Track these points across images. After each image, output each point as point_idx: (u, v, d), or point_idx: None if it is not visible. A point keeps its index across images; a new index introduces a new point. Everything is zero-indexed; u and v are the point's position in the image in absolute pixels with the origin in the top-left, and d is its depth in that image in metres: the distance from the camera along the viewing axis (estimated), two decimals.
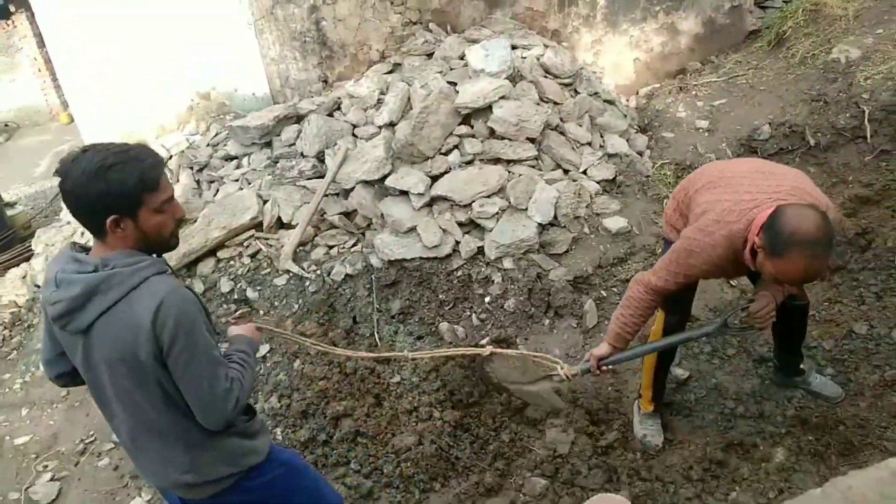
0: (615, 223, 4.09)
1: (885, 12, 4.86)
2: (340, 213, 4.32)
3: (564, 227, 4.03)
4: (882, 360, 3.14)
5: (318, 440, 3.28)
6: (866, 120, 4.20)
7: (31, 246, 5.58)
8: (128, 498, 3.40)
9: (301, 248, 4.19)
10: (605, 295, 3.90)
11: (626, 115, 5.02)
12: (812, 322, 3.52)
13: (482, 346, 3.11)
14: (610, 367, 2.64)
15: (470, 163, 4.24)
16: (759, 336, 3.52)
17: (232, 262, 4.22)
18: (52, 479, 3.58)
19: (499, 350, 3.03)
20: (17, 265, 5.37)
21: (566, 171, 4.34)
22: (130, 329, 1.62)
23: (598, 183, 4.32)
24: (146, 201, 1.64)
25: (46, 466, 3.68)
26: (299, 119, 4.83)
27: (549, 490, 2.90)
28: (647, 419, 3.06)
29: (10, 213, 6.86)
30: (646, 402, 3.04)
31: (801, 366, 3.08)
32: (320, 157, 4.56)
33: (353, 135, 4.60)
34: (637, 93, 5.75)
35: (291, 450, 2.95)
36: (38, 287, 4.99)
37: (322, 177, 4.41)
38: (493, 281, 3.88)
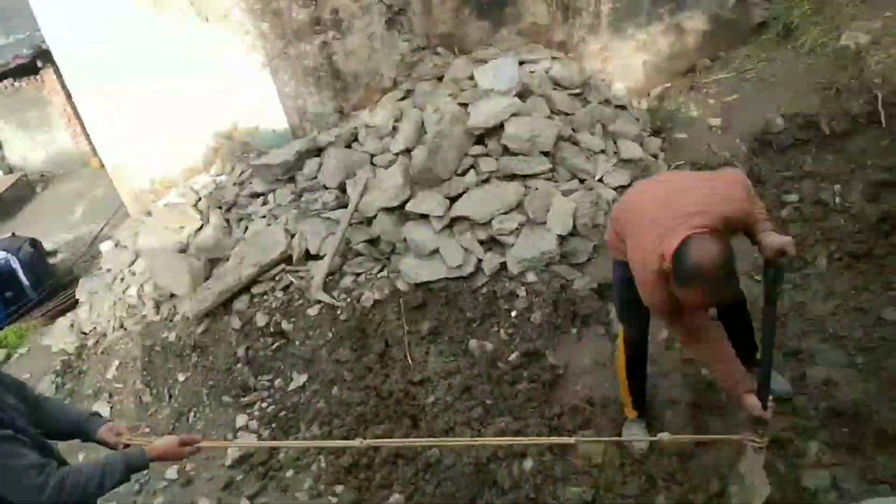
0: None
1: None
2: (365, 241, 4.44)
3: (584, 236, 4.09)
4: None
5: (360, 465, 3.38)
6: (880, 105, 4.19)
7: (73, 293, 5.80)
8: None
9: (330, 277, 4.32)
10: None
11: (638, 119, 5.06)
12: (840, 311, 3.52)
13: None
14: (770, 400, 2.54)
15: (486, 181, 4.33)
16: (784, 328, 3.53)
17: (266, 297, 4.37)
18: None
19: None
20: (63, 314, 5.61)
21: (582, 181, 4.41)
22: None
23: (614, 189, 4.37)
24: None
25: None
26: (319, 152, 4.98)
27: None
28: (631, 424, 3.15)
29: (52, 261, 7.15)
30: (627, 408, 3.13)
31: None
32: (342, 188, 4.70)
33: (372, 163, 4.73)
34: (648, 94, 5.77)
35: None
36: (85, 334, 5.20)
37: (345, 207, 4.55)
38: (517, 295, 3.95)
